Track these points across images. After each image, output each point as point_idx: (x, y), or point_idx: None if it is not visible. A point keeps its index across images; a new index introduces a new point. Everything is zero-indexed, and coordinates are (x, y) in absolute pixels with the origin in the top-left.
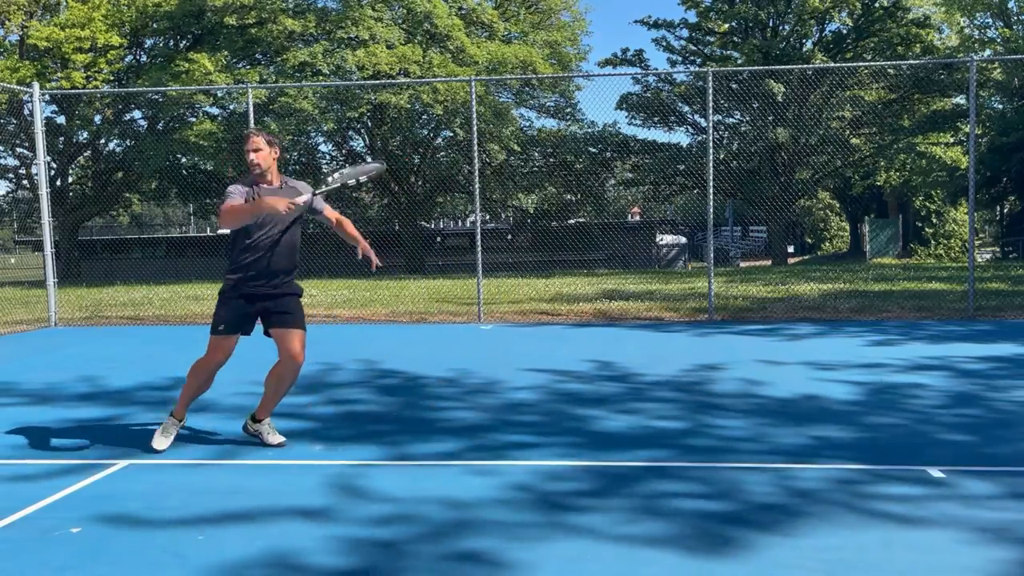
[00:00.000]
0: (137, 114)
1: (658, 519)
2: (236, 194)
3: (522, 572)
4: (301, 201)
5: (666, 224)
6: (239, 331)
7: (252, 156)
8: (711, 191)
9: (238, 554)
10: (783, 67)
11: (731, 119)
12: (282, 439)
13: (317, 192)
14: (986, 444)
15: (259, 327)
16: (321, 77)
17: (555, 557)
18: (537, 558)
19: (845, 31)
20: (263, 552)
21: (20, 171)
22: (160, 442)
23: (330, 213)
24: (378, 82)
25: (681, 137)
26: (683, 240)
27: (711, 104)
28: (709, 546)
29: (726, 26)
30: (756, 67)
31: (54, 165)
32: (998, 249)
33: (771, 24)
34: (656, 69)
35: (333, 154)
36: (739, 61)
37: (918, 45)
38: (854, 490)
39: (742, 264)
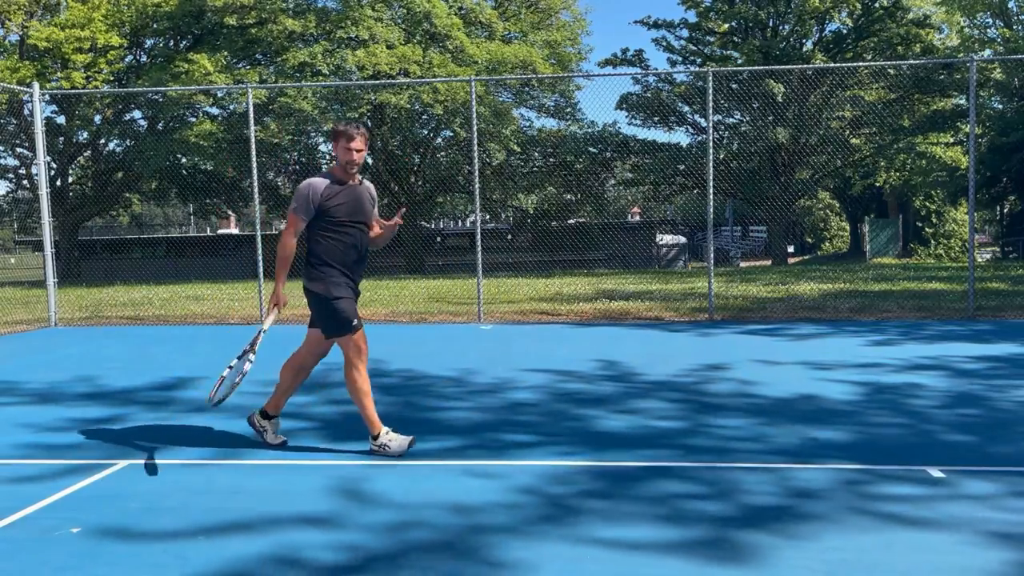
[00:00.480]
0: (137, 114)
1: (659, 519)
2: (302, 202)
3: (523, 572)
4: (264, 327)
5: (666, 224)
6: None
7: (355, 155)
8: (711, 191)
9: (239, 554)
10: (783, 67)
11: (731, 119)
12: (283, 439)
13: (261, 335)
14: (986, 444)
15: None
16: (321, 77)
17: (556, 558)
18: (538, 559)
19: (845, 31)
20: (264, 552)
21: (20, 171)
22: (400, 444)
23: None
24: (378, 82)
25: (681, 137)
26: (683, 240)
27: (711, 104)
28: (710, 546)
29: (726, 26)
30: (756, 67)
31: (54, 165)
32: (998, 249)
33: (771, 24)
34: (656, 69)
35: (333, 154)
36: (739, 61)
37: (918, 45)
38: (855, 490)
39: (742, 264)
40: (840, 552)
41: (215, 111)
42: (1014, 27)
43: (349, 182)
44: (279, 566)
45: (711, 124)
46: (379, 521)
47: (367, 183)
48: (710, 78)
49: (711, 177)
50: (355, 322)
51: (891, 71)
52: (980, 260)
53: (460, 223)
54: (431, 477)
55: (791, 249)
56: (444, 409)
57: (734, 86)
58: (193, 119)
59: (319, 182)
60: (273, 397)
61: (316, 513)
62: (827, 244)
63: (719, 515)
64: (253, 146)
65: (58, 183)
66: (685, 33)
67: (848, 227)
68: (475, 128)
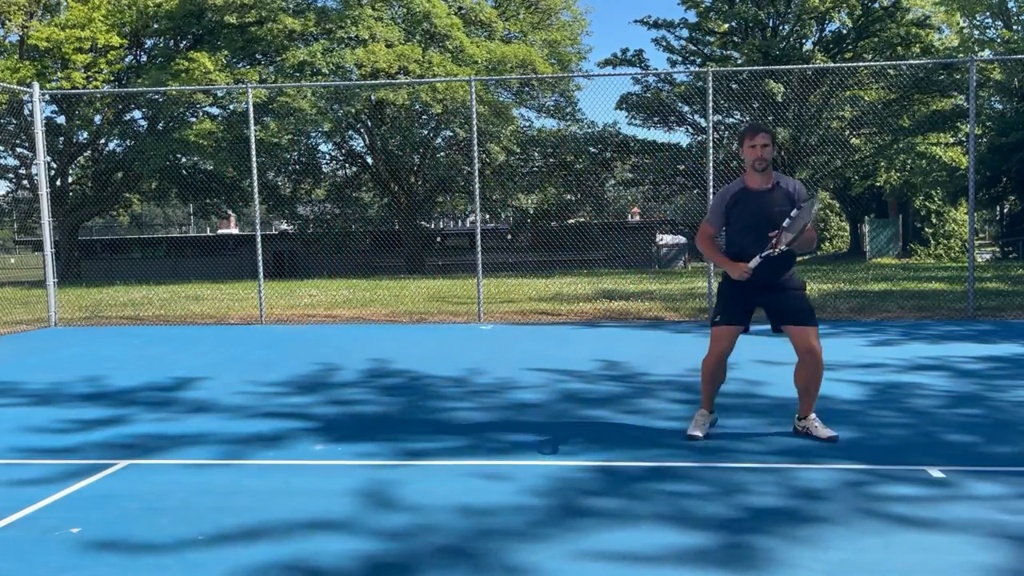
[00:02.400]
0: (137, 114)
1: (662, 520)
2: (713, 211)
3: (524, 573)
4: (752, 265)
5: (666, 224)
6: (737, 323)
7: (761, 152)
8: (711, 191)
9: (239, 554)
10: (783, 67)
11: (731, 119)
12: (832, 433)
13: (772, 252)
14: (986, 444)
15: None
16: (321, 76)
17: (558, 558)
18: (547, 562)
19: (845, 31)
20: (265, 552)
21: (20, 171)
22: (696, 430)
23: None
24: (377, 82)
25: (681, 137)
26: (683, 240)
27: (711, 104)
28: (711, 546)
29: (726, 26)
30: (756, 67)
31: (54, 165)
32: (998, 249)
33: (771, 24)
34: (656, 69)
35: (333, 154)
36: (739, 61)
37: (918, 45)
38: (855, 490)
39: None
40: (840, 551)
41: (215, 111)
42: (1014, 27)
43: (752, 187)
44: (281, 565)
45: (711, 124)
46: (384, 522)
47: (787, 181)
48: (710, 78)
49: (711, 177)
50: (717, 319)
51: (891, 71)
52: (980, 260)
53: (460, 223)
54: (433, 477)
55: None
56: (446, 409)
57: (734, 86)
58: (193, 119)
59: (730, 189)
60: (799, 403)
61: (318, 513)
62: (827, 244)
63: (722, 515)
64: (253, 146)
65: (58, 183)
66: (685, 33)
67: (848, 227)
68: (475, 128)
